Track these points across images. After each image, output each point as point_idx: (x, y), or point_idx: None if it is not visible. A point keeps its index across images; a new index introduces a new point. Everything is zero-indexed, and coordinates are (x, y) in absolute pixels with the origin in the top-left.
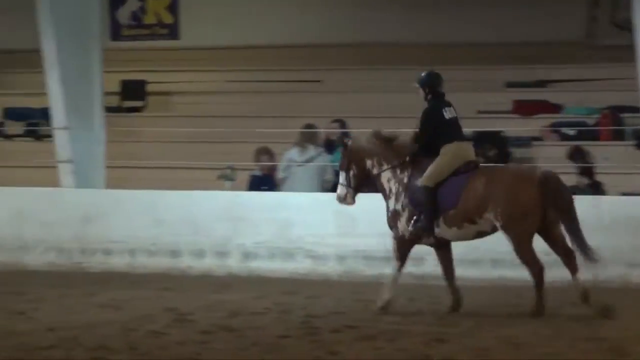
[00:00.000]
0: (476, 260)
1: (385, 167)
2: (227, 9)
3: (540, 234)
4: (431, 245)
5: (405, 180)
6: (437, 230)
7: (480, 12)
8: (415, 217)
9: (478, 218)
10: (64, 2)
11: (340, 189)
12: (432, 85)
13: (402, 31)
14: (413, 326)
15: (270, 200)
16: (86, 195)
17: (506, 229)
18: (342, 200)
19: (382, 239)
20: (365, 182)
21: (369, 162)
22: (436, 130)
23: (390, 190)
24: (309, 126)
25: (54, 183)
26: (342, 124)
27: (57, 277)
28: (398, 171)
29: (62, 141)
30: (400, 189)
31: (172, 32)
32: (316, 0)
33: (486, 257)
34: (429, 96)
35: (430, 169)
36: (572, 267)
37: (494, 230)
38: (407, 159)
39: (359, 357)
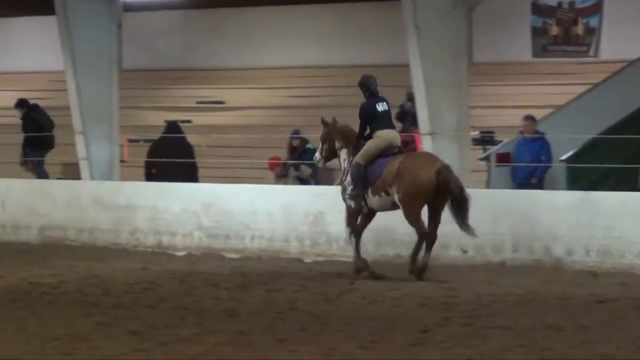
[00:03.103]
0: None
1: (343, 148)
2: None
3: (428, 209)
4: (364, 213)
5: (352, 160)
6: (368, 199)
7: None
8: (350, 188)
9: (389, 190)
10: None
11: (317, 154)
12: (367, 86)
13: None
14: None
15: None
16: None
17: (400, 202)
18: (317, 162)
19: None
20: (333, 156)
21: (336, 142)
22: (370, 120)
23: (344, 168)
24: None
25: None
26: None
27: None
28: (349, 153)
29: None
30: (347, 168)
31: None
32: None
33: None
34: (367, 94)
35: (362, 150)
36: (428, 246)
37: None
38: (353, 143)
39: None
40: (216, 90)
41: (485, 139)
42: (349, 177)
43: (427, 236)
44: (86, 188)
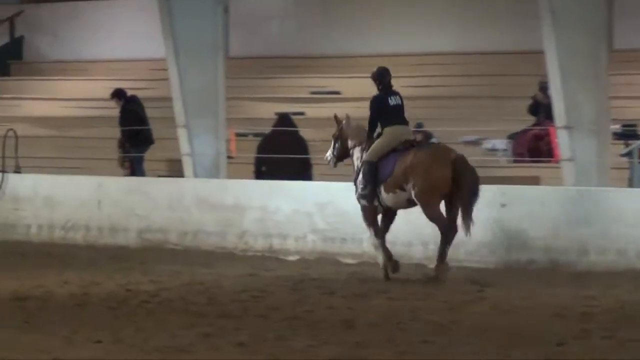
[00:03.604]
0: None
1: (356, 146)
2: None
3: (445, 202)
4: (382, 213)
5: (363, 158)
6: (381, 197)
7: None
8: (361, 187)
9: (405, 186)
10: None
11: (328, 154)
12: (380, 78)
13: None
14: None
15: None
16: None
17: (417, 197)
18: (328, 162)
19: None
20: (345, 155)
21: (349, 141)
22: (381, 114)
23: (357, 167)
24: None
25: None
26: None
27: None
28: (362, 151)
29: None
30: (360, 166)
31: None
32: None
33: None
34: (380, 87)
35: (372, 147)
36: (449, 238)
37: None
38: (366, 140)
39: None
40: (332, 79)
41: (628, 133)
42: (360, 176)
43: (448, 228)
44: (189, 187)
